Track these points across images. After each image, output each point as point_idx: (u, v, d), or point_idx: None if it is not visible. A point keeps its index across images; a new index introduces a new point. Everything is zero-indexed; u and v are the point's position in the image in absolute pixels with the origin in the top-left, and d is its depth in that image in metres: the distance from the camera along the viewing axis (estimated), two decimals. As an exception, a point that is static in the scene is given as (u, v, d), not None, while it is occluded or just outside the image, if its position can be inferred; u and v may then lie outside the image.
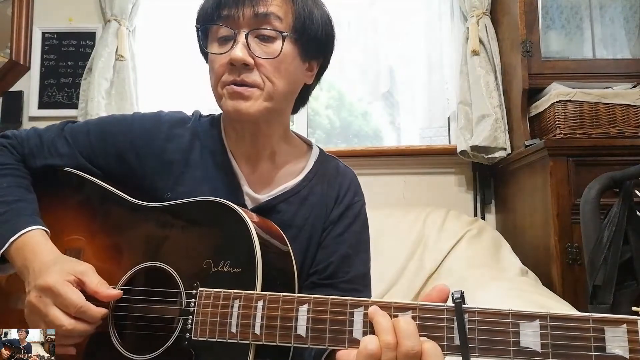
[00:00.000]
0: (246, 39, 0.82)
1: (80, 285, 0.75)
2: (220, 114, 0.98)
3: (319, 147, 1.03)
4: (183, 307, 0.74)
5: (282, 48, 0.82)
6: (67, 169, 0.92)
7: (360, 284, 0.92)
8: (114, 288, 0.79)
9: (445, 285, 0.63)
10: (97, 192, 0.90)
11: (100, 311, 0.75)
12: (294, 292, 0.80)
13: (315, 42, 0.88)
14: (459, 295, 0.60)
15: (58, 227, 0.83)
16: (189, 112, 1.00)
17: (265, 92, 0.83)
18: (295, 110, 0.98)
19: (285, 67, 0.84)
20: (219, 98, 0.86)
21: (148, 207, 0.86)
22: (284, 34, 0.83)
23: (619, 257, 1.20)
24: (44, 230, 0.83)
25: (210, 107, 1.01)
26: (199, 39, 0.89)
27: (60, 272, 0.75)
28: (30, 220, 0.82)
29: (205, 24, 0.86)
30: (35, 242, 0.80)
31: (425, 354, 0.58)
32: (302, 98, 0.97)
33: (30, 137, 0.93)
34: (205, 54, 0.91)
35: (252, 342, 0.68)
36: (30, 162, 0.92)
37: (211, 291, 0.72)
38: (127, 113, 0.99)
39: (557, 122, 1.71)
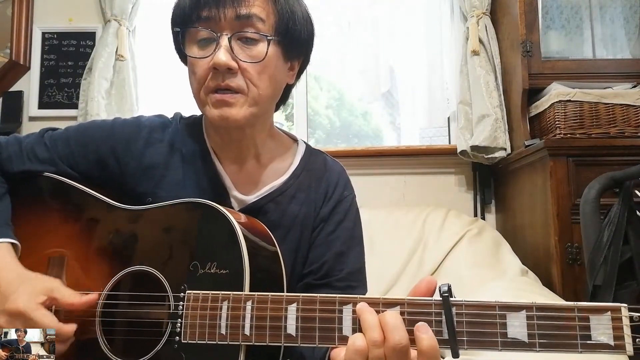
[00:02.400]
0: (229, 42, 0.79)
1: (53, 303, 0.75)
2: (202, 114, 0.95)
3: (305, 142, 1.01)
4: (171, 311, 0.73)
5: (267, 51, 0.80)
6: (47, 174, 0.91)
7: (355, 280, 0.90)
8: (100, 294, 0.78)
9: (433, 277, 0.63)
10: (79, 197, 0.89)
11: (73, 328, 0.74)
12: (283, 292, 0.80)
13: (298, 43, 0.86)
14: (446, 289, 0.59)
15: (39, 234, 0.82)
16: (171, 115, 0.98)
17: (250, 98, 0.81)
18: (276, 108, 0.96)
19: (269, 71, 0.82)
20: (202, 104, 0.84)
21: (131, 210, 0.85)
22: (268, 38, 0.80)
23: (619, 257, 1.20)
24: (10, 242, 0.81)
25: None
26: (175, 41, 0.87)
27: (30, 294, 0.73)
28: None
29: (185, 27, 0.83)
30: None
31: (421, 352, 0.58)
32: (283, 97, 0.95)
33: (9, 143, 0.92)
34: (183, 56, 0.87)
35: (242, 343, 0.68)
36: (7, 167, 0.90)
37: (199, 293, 0.71)
38: (107, 119, 0.98)
39: (557, 122, 1.70)
